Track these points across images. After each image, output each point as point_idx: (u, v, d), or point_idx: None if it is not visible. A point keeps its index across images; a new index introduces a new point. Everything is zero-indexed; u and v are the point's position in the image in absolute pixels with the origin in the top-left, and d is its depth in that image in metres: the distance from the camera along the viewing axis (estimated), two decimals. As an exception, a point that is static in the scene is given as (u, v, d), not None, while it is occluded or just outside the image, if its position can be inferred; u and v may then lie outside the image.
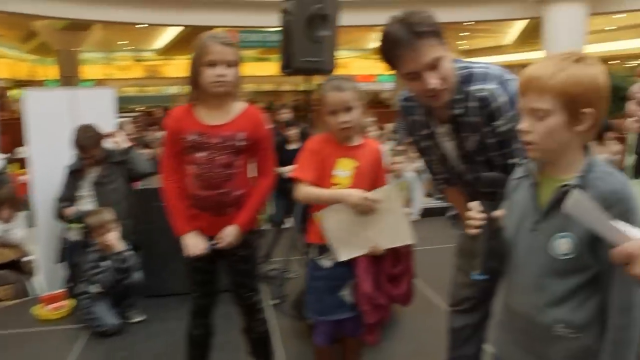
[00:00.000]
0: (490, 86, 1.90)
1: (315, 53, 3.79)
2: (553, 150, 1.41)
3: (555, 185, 1.41)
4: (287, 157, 6.24)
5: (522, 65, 2.01)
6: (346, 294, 2.40)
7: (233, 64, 2.36)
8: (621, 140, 7.31)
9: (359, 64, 28.83)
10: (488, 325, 2.35)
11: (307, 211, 2.65)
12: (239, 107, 2.46)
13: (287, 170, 5.95)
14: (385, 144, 8.65)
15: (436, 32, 1.79)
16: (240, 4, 14.85)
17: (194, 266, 2.52)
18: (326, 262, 2.40)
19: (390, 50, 1.81)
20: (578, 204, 1.01)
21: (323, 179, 2.37)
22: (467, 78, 1.92)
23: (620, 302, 1.33)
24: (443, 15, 1.93)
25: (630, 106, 3.47)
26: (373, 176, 2.42)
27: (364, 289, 2.33)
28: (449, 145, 2.10)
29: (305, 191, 2.37)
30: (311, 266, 2.46)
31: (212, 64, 2.32)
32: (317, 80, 4.57)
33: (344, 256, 2.35)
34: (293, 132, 6.02)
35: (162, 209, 2.57)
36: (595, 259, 1.35)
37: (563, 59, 1.37)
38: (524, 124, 1.42)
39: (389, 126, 9.97)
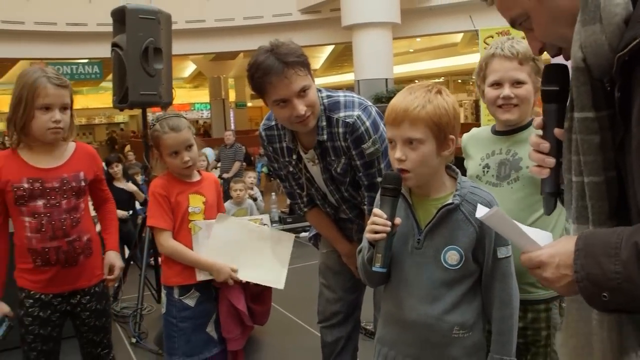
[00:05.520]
0: (356, 112, 2.05)
1: (152, 86, 3.82)
2: (426, 175, 1.55)
3: (430, 205, 1.58)
4: (115, 196, 5.97)
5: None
6: (211, 330, 2.41)
7: (68, 106, 2.20)
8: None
9: (175, 93, 28.32)
10: (358, 334, 2.51)
11: (157, 251, 2.52)
12: (70, 146, 2.30)
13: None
14: (213, 172, 8.67)
15: (304, 62, 1.94)
16: (48, 35, 13.93)
17: (37, 316, 2.21)
18: (191, 301, 2.37)
19: (262, 77, 1.89)
20: (494, 216, 1.11)
21: (182, 220, 2.37)
22: (334, 106, 2.08)
23: (500, 297, 1.57)
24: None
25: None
26: (217, 207, 2.50)
27: (240, 308, 2.38)
28: (315, 170, 2.22)
29: (172, 245, 2.34)
30: (175, 308, 2.38)
31: (47, 108, 2.13)
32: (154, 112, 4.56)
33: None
34: (117, 169, 5.80)
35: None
36: (476, 264, 1.58)
37: (427, 91, 1.52)
38: (398, 154, 1.51)
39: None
